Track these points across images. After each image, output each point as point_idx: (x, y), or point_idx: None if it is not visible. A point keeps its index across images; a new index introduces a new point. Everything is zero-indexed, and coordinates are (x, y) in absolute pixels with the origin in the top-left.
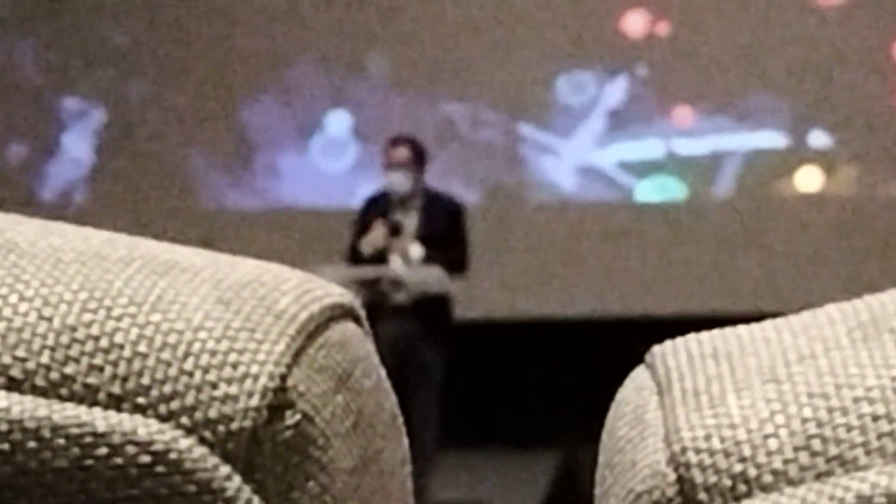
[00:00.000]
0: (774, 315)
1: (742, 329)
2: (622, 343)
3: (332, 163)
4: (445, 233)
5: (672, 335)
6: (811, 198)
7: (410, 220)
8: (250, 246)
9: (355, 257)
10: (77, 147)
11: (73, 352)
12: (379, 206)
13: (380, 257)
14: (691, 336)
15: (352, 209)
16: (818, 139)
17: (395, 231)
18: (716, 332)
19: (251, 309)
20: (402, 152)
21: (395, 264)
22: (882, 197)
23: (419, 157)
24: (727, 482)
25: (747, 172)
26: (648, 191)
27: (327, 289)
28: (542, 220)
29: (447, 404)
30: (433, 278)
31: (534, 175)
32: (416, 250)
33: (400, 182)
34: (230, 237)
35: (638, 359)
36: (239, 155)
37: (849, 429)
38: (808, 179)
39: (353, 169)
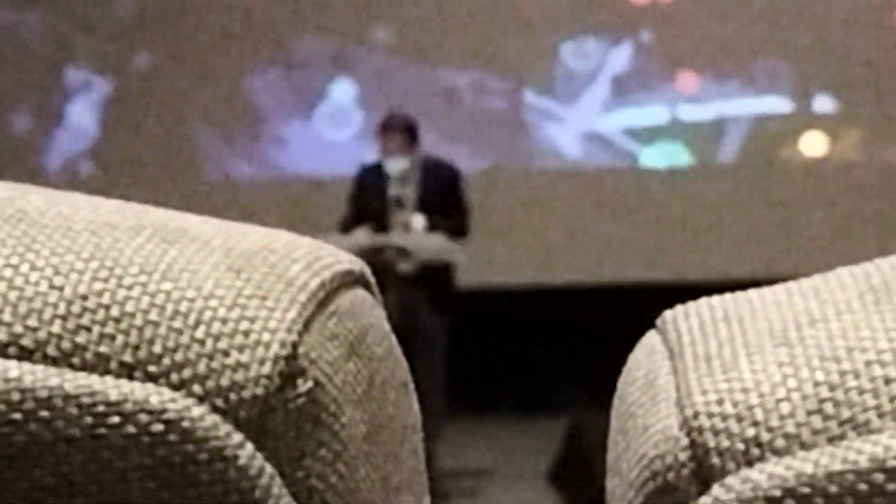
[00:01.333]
0: (780, 280)
1: (753, 293)
2: (626, 309)
3: (337, 132)
4: (445, 199)
5: (676, 301)
6: (816, 163)
7: (409, 192)
8: (256, 216)
9: (349, 226)
10: (82, 118)
11: (85, 321)
12: (375, 178)
13: (381, 228)
14: (702, 300)
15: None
16: (823, 104)
17: (398, 204)
18: (727, 296)
19: (262, 277)
20: (396, 139)
21: (399, 233)
22: (888, 161)
23: (412, 136)
24: (740, 446)
25: (752, 138)
26: (653, 157)
27: (338, 256)
28: (547, 186)
29: (453, 372)
30: (437, 246)
31: (538, 142)
32: (419, 221)
33: (397, 166)
34: (236, 207)
35: (642, 324)
36: (244, 125)
37: (861, 392)
38: (814, 144)
39: (358, 137)
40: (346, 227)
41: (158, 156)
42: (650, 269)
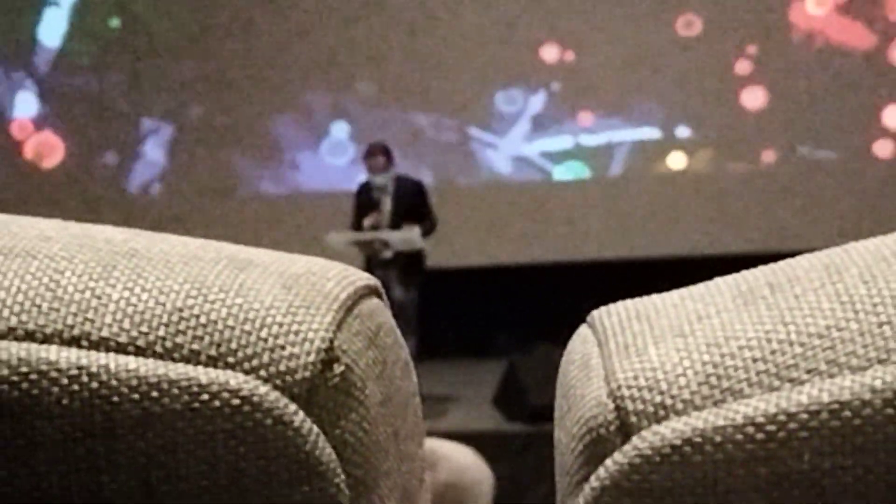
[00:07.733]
0: (662, 256)
1: (656, 298)
2: (548, 284)
3: (337, 159)
4: (415, 206)
5: (587, 276)
6: (679, 174)
7: (387, 200)
8: (280, 223)
9: (357, 225)
10: (153, 154)
11: (182, 326)
12: (365, 191)
13: (374, 227)
14: (620, 303)
15: (351, 192)
16: (683, 132)
17: (373, 206)
18: (637, 300)
19: (306, 292)
20: (379, 161)
21: (384, 230)
22: (731, 173)
23: (389, 157)
24: (651, 409)
25: (633, 157)
26: (562, 172)
27: (359, 275)
28: (487, 194)
29: (427, 328)
30: (411, 239)
31: (480, 163)
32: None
33: (379, 182)
34: (265, 216)
35: (560, 297)
36: (270, 155)
37: (735, 369)
38: (677, 161)
39: (351, 163)
40: (354, 226)
41: (209, 179)
42: (564, 252)
